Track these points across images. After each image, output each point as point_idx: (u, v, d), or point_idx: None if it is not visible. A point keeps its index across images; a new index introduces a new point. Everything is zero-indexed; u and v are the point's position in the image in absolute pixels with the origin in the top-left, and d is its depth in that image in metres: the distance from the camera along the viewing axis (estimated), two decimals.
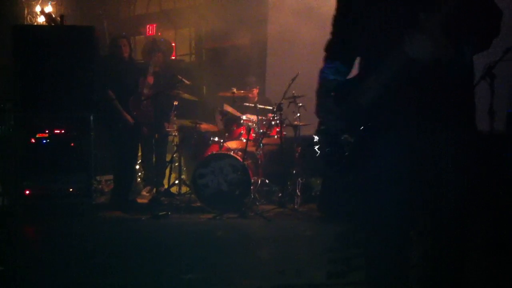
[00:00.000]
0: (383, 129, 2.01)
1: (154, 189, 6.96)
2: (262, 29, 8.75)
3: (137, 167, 7.75)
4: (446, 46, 1.82)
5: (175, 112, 7.48)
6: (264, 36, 8.85)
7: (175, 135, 7.58)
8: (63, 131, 6.33)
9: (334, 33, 2.37)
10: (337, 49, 2.32)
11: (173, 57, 10.50)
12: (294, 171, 6.97)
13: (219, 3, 9.72)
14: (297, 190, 6.79)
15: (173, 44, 10.89)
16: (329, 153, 2.12)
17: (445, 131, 1.96)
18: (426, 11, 1.81)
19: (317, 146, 2.19)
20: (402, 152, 1.99)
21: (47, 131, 6.27)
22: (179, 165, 7.23)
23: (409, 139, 1.98)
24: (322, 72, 2.29)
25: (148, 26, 11.60)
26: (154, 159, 7.44)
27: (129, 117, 6.55)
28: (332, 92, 2.13)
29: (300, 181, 6.91)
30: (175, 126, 7.48)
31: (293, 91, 6.91)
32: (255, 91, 7.77)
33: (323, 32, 8.16)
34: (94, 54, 6.72)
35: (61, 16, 7.09)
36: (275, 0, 8.38)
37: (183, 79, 6.98)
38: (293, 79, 6.77)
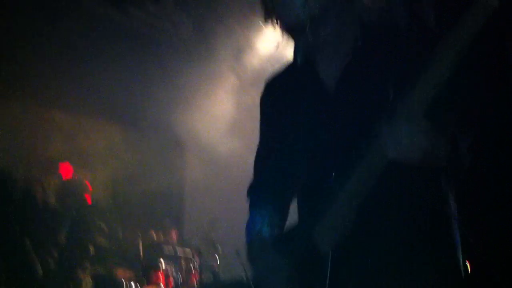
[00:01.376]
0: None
1: None
2: (181, 170, 8.94)
3: None
4: (440, 142, 1.33)
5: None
6: (183, 177, 9.04)
7: (89, 281, 7.35)
8: None
9: (261, 168, 1.80)
10: (267, 192, 1.74)
11: (89, 200, 10.38)
12: None
13: (137, 146, 9.92)
14: None
15: (90, 187, 10.81)
16: None
17: None
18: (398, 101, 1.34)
19: None
20: None
21: None
22: None
23: None
24: (252, 225, 1.72)
25: (63, 168, 11.50)
26: None
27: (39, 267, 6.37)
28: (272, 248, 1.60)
29: None
30: (88, 272, 7.29)
31: (213, 235, 7.02)
32: (174, 234, 7.80)
33: (238, 180, 8.40)
34: (8, 199, 6.64)
35: None
36: (192, 147, 8.70)
37: (101, 225, 6.95)
38: (211, 224, 6.92)
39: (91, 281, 7.09)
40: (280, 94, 1.71)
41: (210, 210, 7.51)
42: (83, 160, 10.52)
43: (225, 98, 8.20)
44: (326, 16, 1.53)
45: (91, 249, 7.10)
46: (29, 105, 9.73)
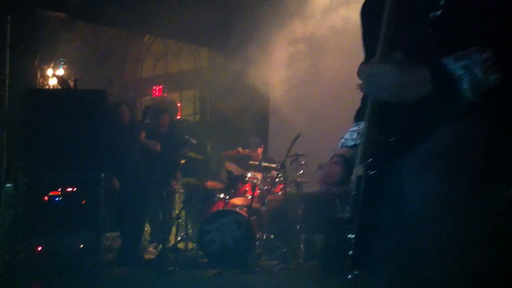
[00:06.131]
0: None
1: (160, 245, 7.10)
2: (265, 91, 9.05)
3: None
4: (420, 76, 1.34)
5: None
6: (267, 97, 9.14)
7: (181, 192, 7.76)
8: (74, 189, 6.53)
9: None
10: (365, 108, 1.71)
11: (179, 117, 10.83)
12: (297, 227, 7.02)
13: (222, 66, 10.08)
14: (301, 246, 6.92)
15: (179, 105, 11.23)
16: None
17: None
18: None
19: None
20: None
21: (59, 189, 6.48)
22: (186, 221, 7.38)
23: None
24: (341, 138, 1.81)
25: (154, 87, 11.99)
26: (160, 216, 7.61)
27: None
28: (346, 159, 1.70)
29: (304, 237, 7.04)
30: (181, 184, 7.68)
31: (296, 150, 7.14)
32: (259, 150, 7.95)
33: (322, 94, 8.52)
34: (104, 116, 7.00)
35: (75, 80, 7.40)
36: (277, 63, 8.73)
37: (190, 139, 7.25)
38: (295, 139, 6.99)
39: (182, 189, 7.46)
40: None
41: (294, 124, 7.58)
42: (172, 80, 10.85)
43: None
44: None
45: (182, 161, 7.42)
46: (120, 30, 10.03)
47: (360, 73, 1.40)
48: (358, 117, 1.81)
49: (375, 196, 1.51)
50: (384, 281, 1.56)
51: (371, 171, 1.50)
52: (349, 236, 1.67)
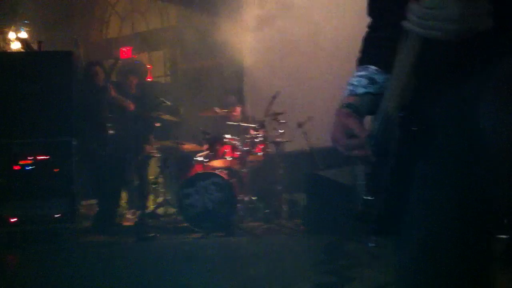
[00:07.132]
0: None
1: (139, 212, 6.96)
2: (238, 49, 8.81)
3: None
4: (479, 9, 1.11)
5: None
6: (241, 55, 8.90)
7: (158, 157, 7.58)
8: (46, 157, 6.30)
9: (369, 28, 1.61)
10: (373, 50, 1.55)
11: (149, 79, 10.57)
12: (278, 187, 6.95)
13: (193, 24, 9.79)
14: (283, 206, 6.85)
15: (149, 66, 10.94)
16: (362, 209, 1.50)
17: None
18: None
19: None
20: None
21: (30, 158, 6.24)
22: (164, 186, 7.23)
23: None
24: (348, 84, 1.57)
25: (122, 49, 11.65)
26: (136, 182, 7.45)
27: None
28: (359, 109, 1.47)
29: (285, 197, 6.97)
30: (156, 147, 7.49)
31: (275, 109, 6.99)
32: (237, 109, 7.61)
33: (292, 51, 8.31)
34: (72, 79, 6.74)
35: (39, 42, 7.07)
36: (250, 19, 8.49)
37: (164, 100, 7.03)
38: (274, 97, 6.85)
39: (158, 153, 7.29)
40: None
41: (271, 83, 7.41)
42: (140, 40, 10.52)
43: None
44: None
45: (156, 124, 7.22)
46: None
47: (411, 7, 1.19)
48: (364, 60, 1.55)
49: (412, 152, 1.31)
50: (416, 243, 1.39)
51: (409, 124, 1.28)
52: (366, 198, 1.53)
